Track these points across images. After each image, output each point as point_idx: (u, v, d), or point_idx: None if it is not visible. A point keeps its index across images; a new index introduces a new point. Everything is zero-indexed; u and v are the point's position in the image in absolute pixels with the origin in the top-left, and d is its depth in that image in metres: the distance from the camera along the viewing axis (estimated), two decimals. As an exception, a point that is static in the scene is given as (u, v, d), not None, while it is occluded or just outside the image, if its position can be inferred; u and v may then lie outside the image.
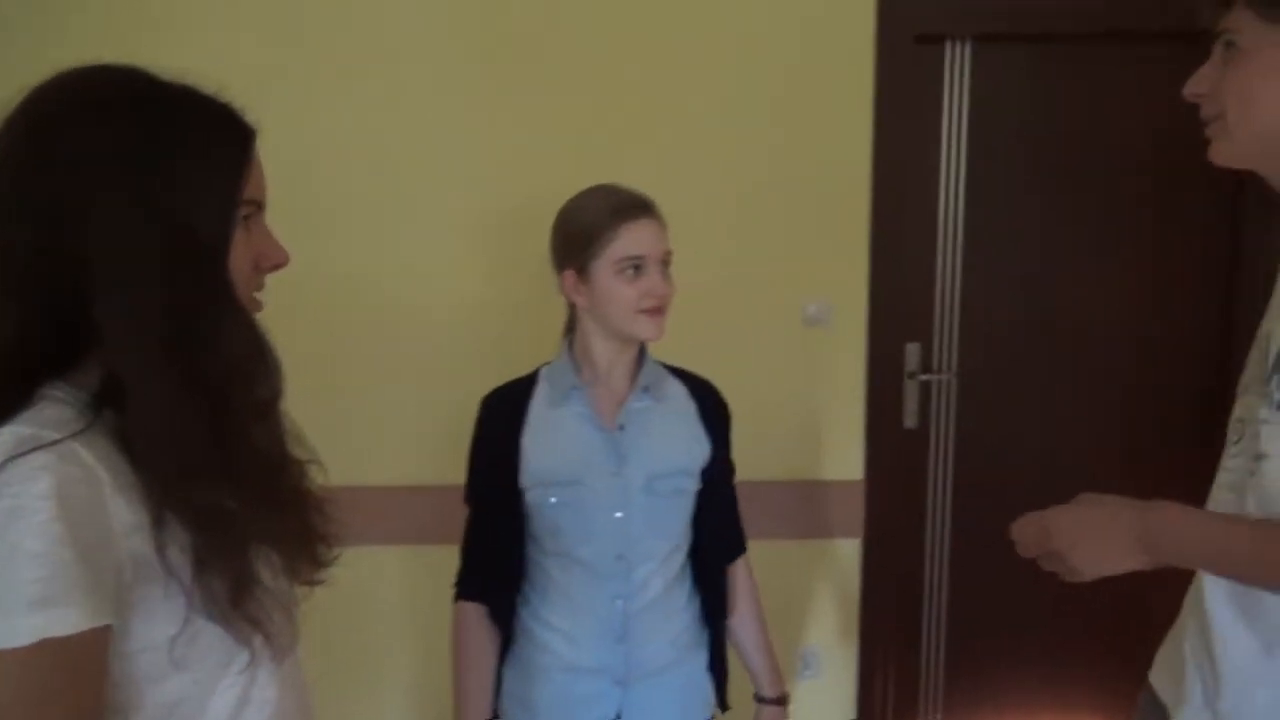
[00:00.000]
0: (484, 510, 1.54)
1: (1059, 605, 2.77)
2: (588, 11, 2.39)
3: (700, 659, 1.59)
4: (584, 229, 1.43)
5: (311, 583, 0.98)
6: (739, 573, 1.68)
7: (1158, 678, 1.31)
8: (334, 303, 2.39)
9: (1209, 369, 2.65)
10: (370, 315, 2.44)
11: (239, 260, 0.88)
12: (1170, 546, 1.04)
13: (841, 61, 2.43)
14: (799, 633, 2.67)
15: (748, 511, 2.70)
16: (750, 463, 2.53)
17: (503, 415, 1.50)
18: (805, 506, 2.58)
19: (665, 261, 1.45)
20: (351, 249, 2.41)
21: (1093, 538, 1.10)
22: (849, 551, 2.64)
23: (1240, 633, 1.09)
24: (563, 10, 2.38)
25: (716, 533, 1.60)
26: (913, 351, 2.64)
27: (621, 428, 1.48)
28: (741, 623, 1.67)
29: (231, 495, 0.84)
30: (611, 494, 1.46)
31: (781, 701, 1.67)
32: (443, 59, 2.39)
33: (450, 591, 1.58)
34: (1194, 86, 1.11)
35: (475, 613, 1.53)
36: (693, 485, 1.55)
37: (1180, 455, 2.69)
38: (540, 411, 1.49)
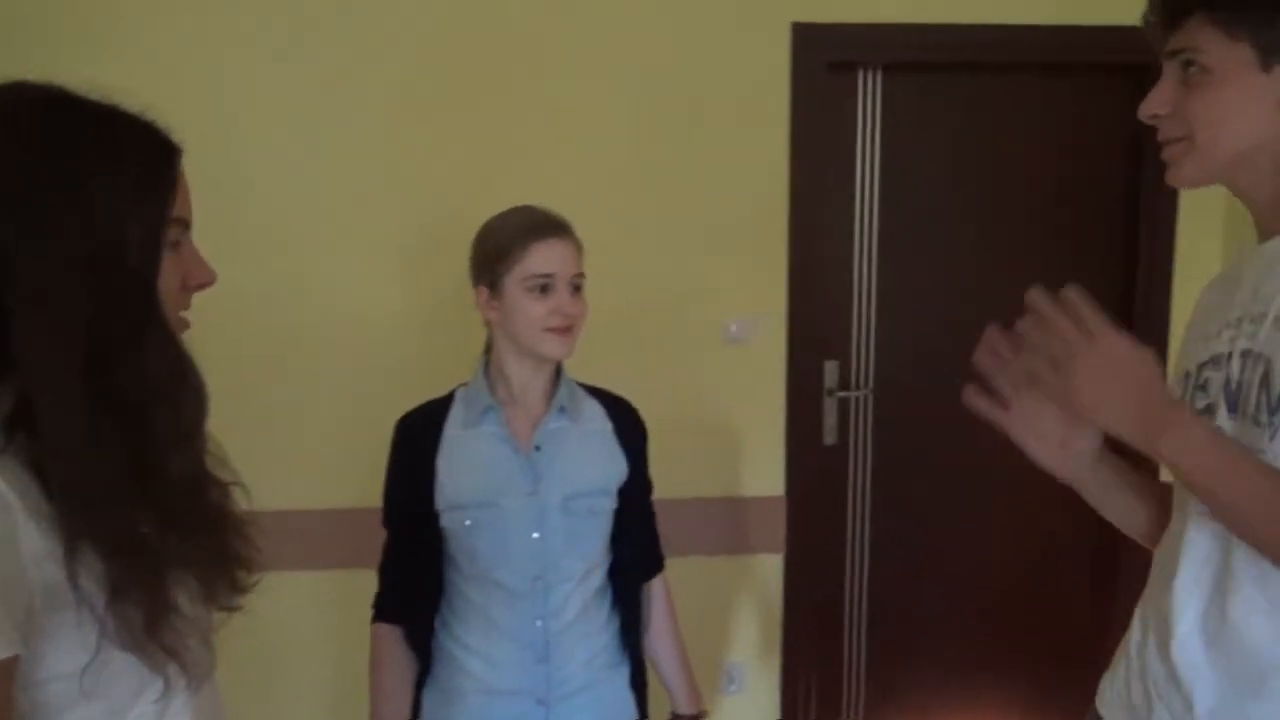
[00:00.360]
0: (400, 533, 1.54)
1: (976, 617, 2.86)
2: (510, 38, 2.41)
3: (621, 677, 1.59)
4: (497, 245, 1.45)
5: (230, 608, 0.96)
6: (656, 590, 1.68)
7: (1111, 711, 1.22)
8: (253, 324, 2.35)
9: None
10: (290, 336, 2.41)
11: (167, 280, 0.87)
12: (1179, 442, 0.94)
13: (759, 87, 2.49)
14: (723, 648, 2.69)
15: (671, 529, 2.71)
16: (673, 480, 2.56)
17: (417, 437, 1.50)
18: (727, 523, 2.62)
19: (576, 283, 1.47)
20: (270, 269, 2.38)
21: (1114, 375, 0.98)
22: (771, 567, 2.67)
23: (1215, 676, 1.03)
24: (487, 36, 2.41)
25: (635, 551, 1.60)
26: (831, 369, 2.71)
27: (538, 448, 1.49)
28: (659, 639, 1.68)
29: (148, 521, 0.82)
30: (527, 515, 1.46)
31: (698, 718, 1.69)
32: (363, 80, 2.39)
33: (369, 614, 1.57)
34: (1152, 108, 1.08)
35: (392, 635, 1.52)
36: (610, 505, 1.55)
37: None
38: (455, 433, 1.49)
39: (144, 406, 0.82)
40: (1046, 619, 2.88)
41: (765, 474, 2.63)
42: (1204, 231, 2.66)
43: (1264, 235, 1.10)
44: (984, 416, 1.13)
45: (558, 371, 1.54)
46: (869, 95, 2.63)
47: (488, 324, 1.51)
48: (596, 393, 1.60)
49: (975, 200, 2.70)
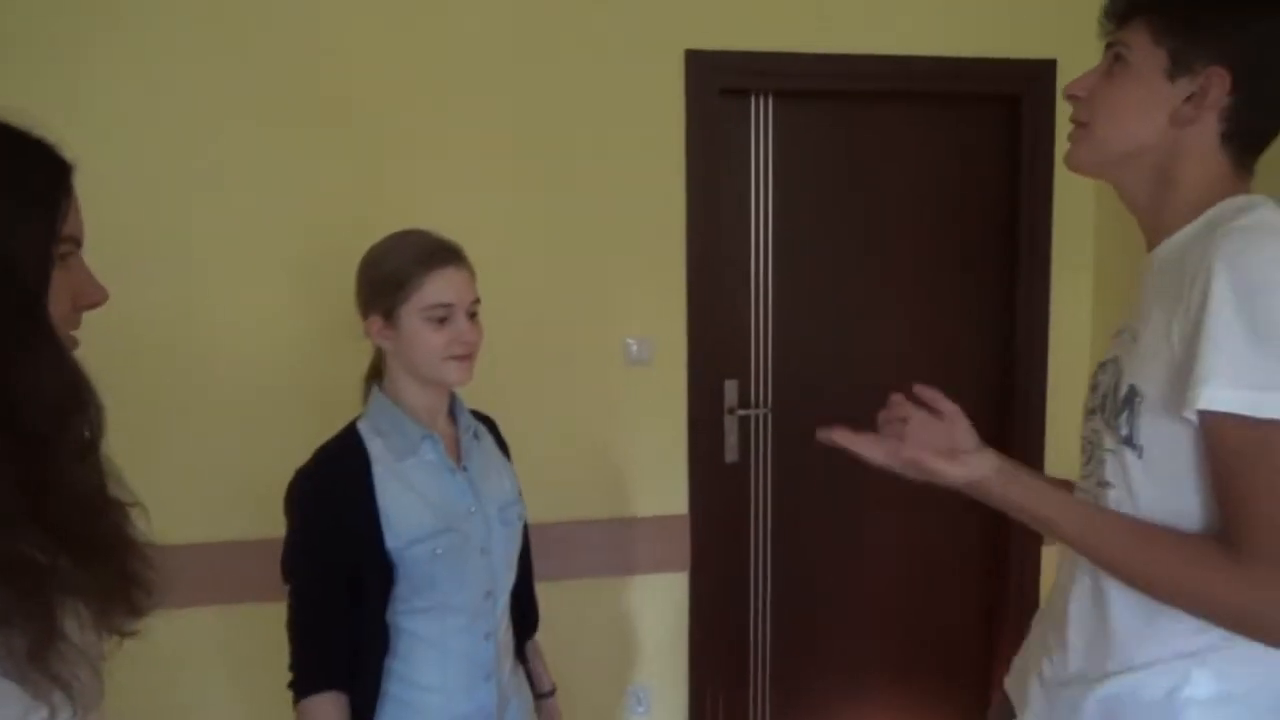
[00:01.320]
0: (330, 588, 1.38)
1: (875, 625, 2.94)
2: (406, 58, 2.40)
3: (522, 674, 1.67)
4: (391, 274, 1.41)
5: (127, 633, 0.91)
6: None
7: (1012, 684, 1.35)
8: (144, 351, 2.28)
9: (994, 392, 2.90)
10: (182, 364, 2.34)
11: (57, 298, 0.85)
12: (1007, 490, 1.11)
13: (654, 111, 2.54)
14: (629, 668, 2.70)
15: (575, 550, 2.72)
16: (577, 501, 2.59)
17: (342, 482, 1.40)
18: (632, 543, 2.63)
19: (473, 310, 1.46)
20: (155, 293, 2.30)
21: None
22: (677, 585, 2.69)
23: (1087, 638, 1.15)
24: (381, 55, 2.38)
25: (525, 553, 1.65)
26: (731, 388, 2.76)
27: (465, 468, 1.50)
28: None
29: (40, 544, 0.79)
30: (476, 532, 1.48)
31: (552, 693, 1.76)
32: (246, 96, 2.33)
33: (284, 690, 1.40)
34: (1074, 88, 1.16)
35: (334, 703, 1.38)
36: (525, 510, 1.62)
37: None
38: (387, 467, 1.43)
39: (35, 425, 0.80)
40: (938, 623, 2.98)
41: (669, 492, 2.65)
42: (1076, 249, 2.83)
43: (1148, 247, 1.17)
44: (853, 451, 1.20)
45: (452, 392, 1.56)
46: (761, 121, 2.71)
47: (378, 350, 1.49)
48: (473, 412, 1.63)
49: (864, 222, 2.80)
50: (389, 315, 1.42)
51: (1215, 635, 1.01)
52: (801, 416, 2.82)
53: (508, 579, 1.55)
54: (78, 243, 0.89)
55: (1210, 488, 1.00)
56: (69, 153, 0.89)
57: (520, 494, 1.62)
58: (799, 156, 2.74)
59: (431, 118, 2.42)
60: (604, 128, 2.52)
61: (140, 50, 2.27)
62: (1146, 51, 1.07)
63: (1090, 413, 1.21)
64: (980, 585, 2.97)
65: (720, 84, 2.58)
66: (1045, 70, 2.72)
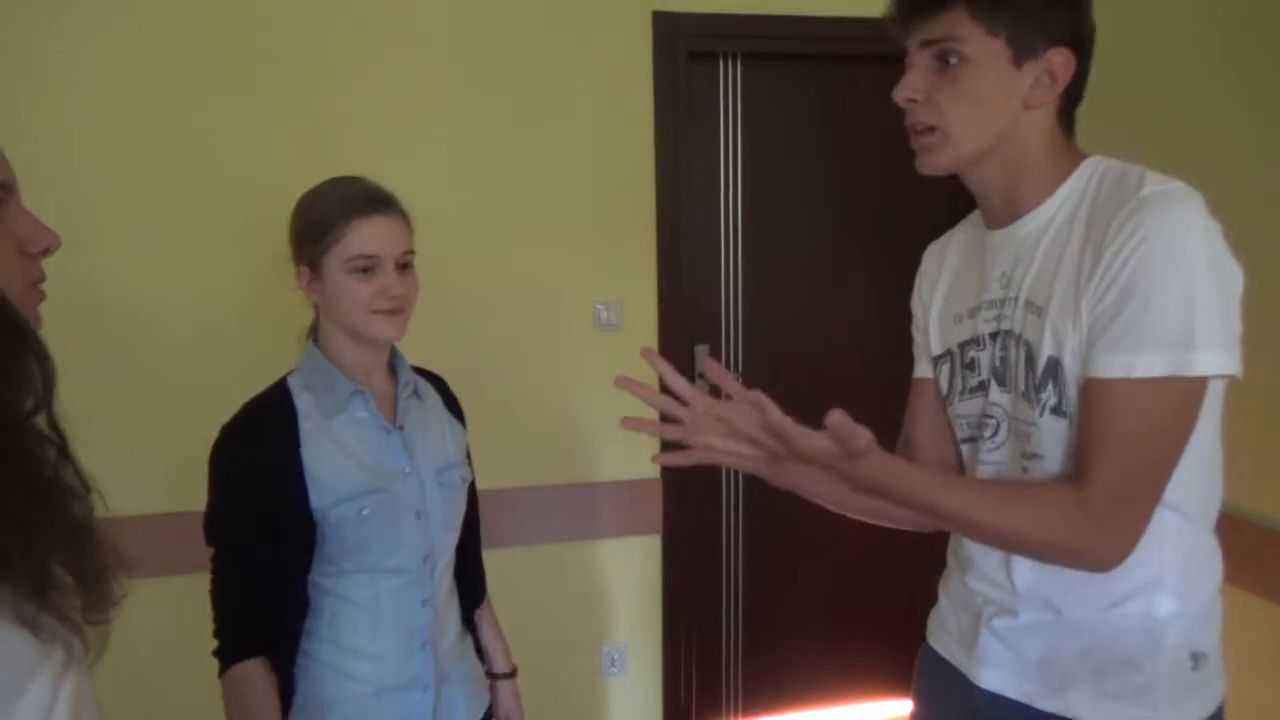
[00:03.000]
0: (255, 547, 1.34)
1: (843, 588, 2.98)
2: (371, 17, 2.36)
3: (471, 648, 1.59)
4: (315, 223, 1.35)
5: (100, 622, 0.89)
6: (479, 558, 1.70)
7: (936, 637, 1.38)
8: (65, 318, 2.21)
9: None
10: (106, 330, 2.28)
11: None
12: (886, 477, 1.01)
13: (622, 74, 2.52)
14: (603, 632, 2.72)
15: (549, 514, 2.72)
16: (548, 466, 2.59)
17: (266, 436, 1.35)
18: (604, 507, 2.64)
19: (404, 261, 1.37)
20: (80, 257, 2.24)
21: None
22: (650, 548, 2.72)
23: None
24: (342, 15, 2.34)
25: (471, 520, 1.60)
26: (702, 353, 2.77)
27: (401, 427, 1.44)
28: (481, 608, 1.68)
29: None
30: (410, 494, 1.41)
31: (512, 674, 1.68)
32: (179, 55, 2.28)
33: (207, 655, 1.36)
34: (908, 93, 1.13)
35: (259, 670, 1.33)
36: (469, 474, 1.54)
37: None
38: (314, 424, 1.37)
39: None
40: (906, 584, 3.02)
41: (640, 457, 2.66)
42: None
43: (993, 223, 1.20)
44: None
45: (393, 350, 1.49)
46: (729, 83, 2.69)
47: (315, 306, 1.42)
48: (418, 370, 1.57)
49: (835, 187, 2.81)
50: (314, 266, 1.35)
51: (1166, 560, 1.07)
52: (774, 380, 2.83)
53: (447, 543, 1.48)
54: (7, 187, 0.82)
55: (1080, 436, 1.05)
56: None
57: (467, 457, 1.55)
58: (769, 120, 2.74)
59: (391, 81, 2.39)
60: (572, 91, 2.50)
61: (88, 15, 2.21)
62: (983, 43, 1.05)
63: (975, 389, 1.22)
64: (944, 547, 3.02)
65: (688, 47, 2.56)
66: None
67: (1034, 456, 1.12)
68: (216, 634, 1.36)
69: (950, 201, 2.87)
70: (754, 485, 2.87)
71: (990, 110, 1.09)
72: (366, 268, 1.33)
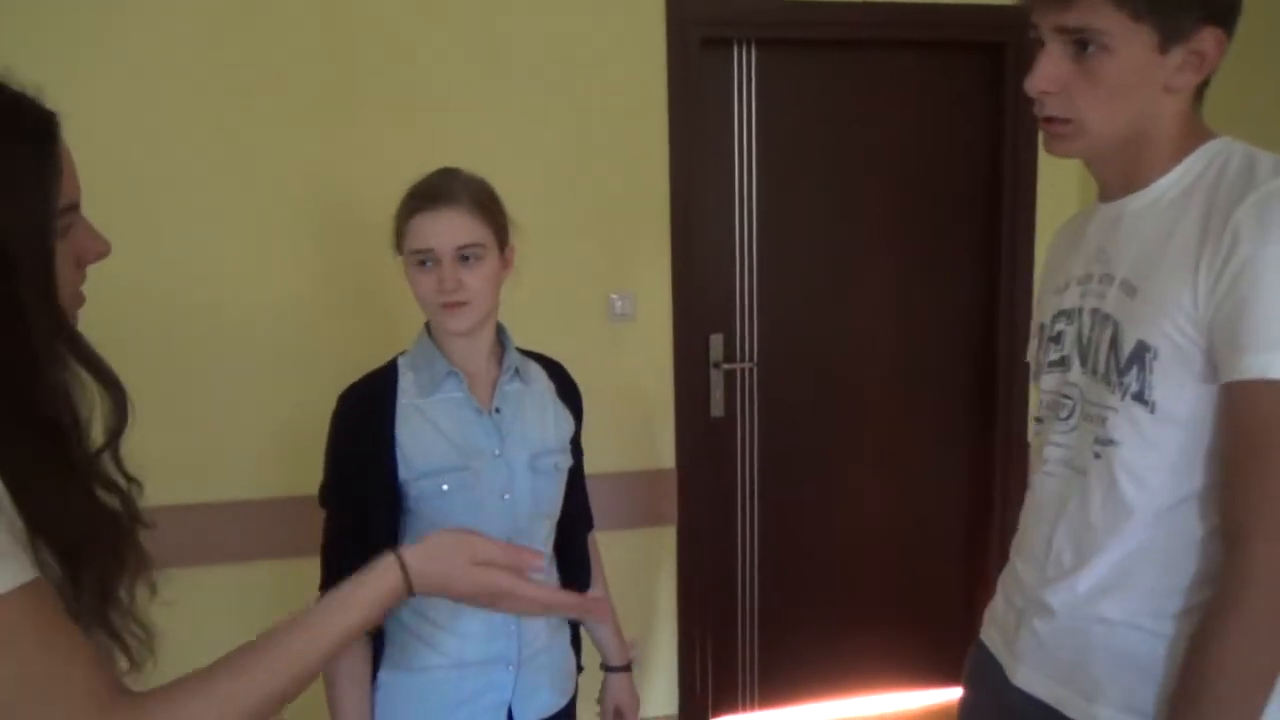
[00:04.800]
0: (354, 510, 1.43)
1: (859, 577, 2.97)
2: (389, 16, 2.36)
3: (565, 636, 1.61)
4: (395, 218, 1.44)
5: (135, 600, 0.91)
6: (591, 547, 1.71)
7: (988, 632, 1.34)
8: (150, 314, 2.28)
9: (978, 343, 2.91)
10: (190, 325, 2.33)
11: (62, 271, 0.78)
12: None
13: (635, 63, 2.50)
14: (620, 621, 2.71)
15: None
16: (564, 457, 2.58)
17: (366, 409, 1.43)
18: (620, 498, 2.63)
19: (466, 254, 1.40)
20: (161, 254, 2.29)
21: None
22: (665, 539, 2.71)
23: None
24: (382, 13, 2.36)
25: (574, 509, 1.61)
26: (716, 342, 2.75)
27: (497, 410, 1.47)
28: (593, 594, 1.70)
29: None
30: (497, 476, 1.44)
31: (628, 668, 1.71)
32: (256, 58, 2.30)
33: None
34: (1043, 84, 1.06)
35: None
36: (568, 461, 1.56)
37: (961, 425, 2.95)
38: (411, 401, 1.44)
39: (58, 422, 0.77)
40: (921, 575, 3.02)
41: (655, 448, 2.66)
42: (1061, 194, 2.82)
43: (1106, 196, 1.16)
44: None
45: (501, 333, 1.54)
46: (743, 70, 2.67)
47: None
48: (532, 355, 1.61)
49: (848, 174, 2.78)
50: (402, 258, 1.44)
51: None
52: (788, 370, 2.82)
53: (536, 529, 1.50)
54: (76, 205, 0.81)
55: (1223, 458, 0.99)
56: (51, 103, 0.79)
57: (571, 444, 1.58)
58: (782, 107, 2.71)
59: (402, 71, 2.38)
60: (585, 79, 2.48)
61: (156, 13, 2.25)
62: (1126, 31, 1.00)
63: (1055, 364, 1.18)
64: (963, 536, 3.00)
65: (702, 34, 2.54)
66: (1029, 17, 2.68)
67: (1109, 443, 1.08)
68: (319, 587, 1.43)
69: (967, 189, 2.86)
70: (770, 476, 2.86)
71: (1130, 100, 1.03)
72: (423, 261, 1.40)
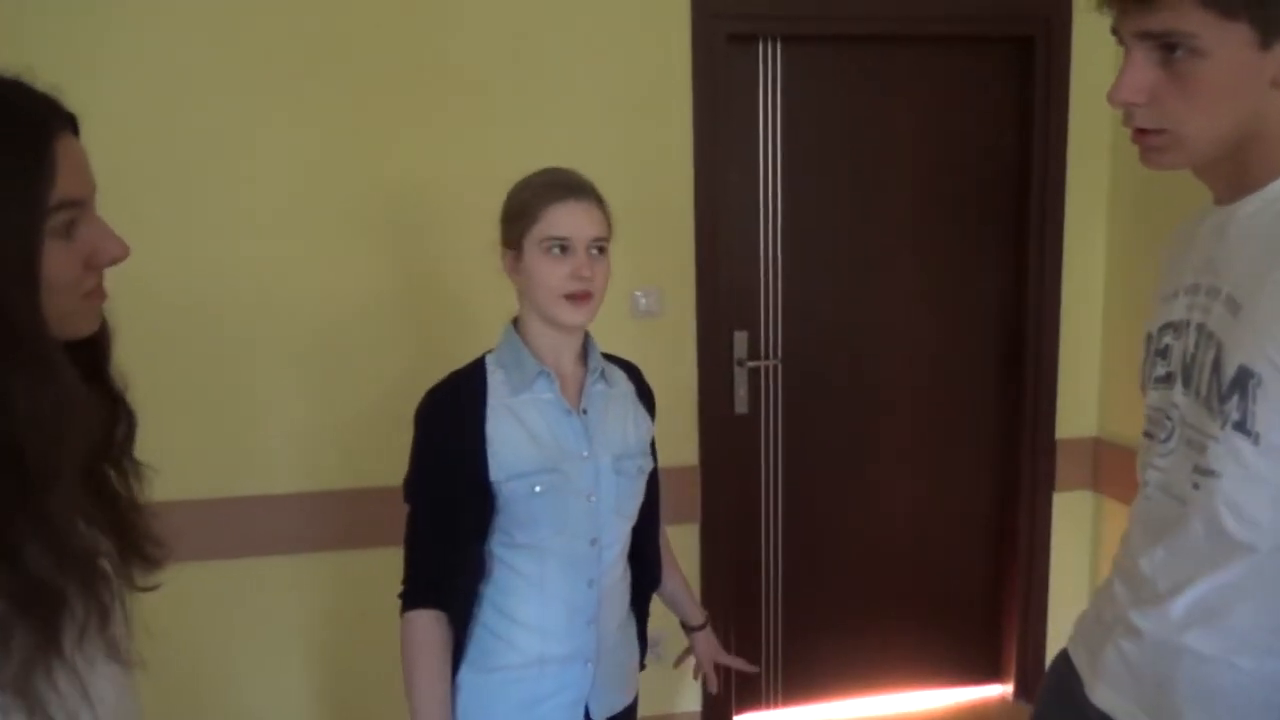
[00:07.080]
0: (442, 508, 1.44)
1: (884, 576, 2.95)
2: (428, 12, 2.38)
3: (633, 630, 1.64)
4: (518, 206, 1.45)
5: (145, 588, 0.89)
6: (663, 540, 1.74)
7: (1074, 646, 1.26)
8: (184, 313, 2.29)
9: (1005, 340, 2.89)
10: (223, 324, 2.36)
11: (59, 269, 0.76)
12: None
13: (661, 58, 2.50)
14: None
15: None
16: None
17: (458, 408, 1.44)
18: (644, 495, 2.64)
19: (596, 247, 1.44)
20: (214, 249, 2.32)
21: None
22: (688, 537, 2.70)
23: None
24: (414, 12, 2.38)
25: (648, 509, 1.63)
26: (741, 339, 2.74)
27: (585, 411, 1.49)
28: (669, 577, 1.76)
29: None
30: (584, 478, 1.46)
31: (705, 625, 1.81)
32: (305, 54, 2.34)
33: (392, 601, 1.47)
34: (1129, 95, 0.96)
35: (434, 620, 1.43)
36: (649, 464, 1.59)
37: (988, 422, 2.93)
38: (502, 401, 1.45)
39: (20, 444, 0.72)
40: (946, 573, 3.00)
41: (679, 445, 2.65)
42: (1091, 190, 2.79)
43: (1218, 200, 1.07)
44: None
45: (586, 336, 1.55)
46: (769, 66, 2.66)
47: (519, 294, 1.50)
48: (611, 357, 1.63)
49: (874, 170, 2.76)
50: (517, 247, 1.44)
51: None
52: (812, 368, 2.81)
53: (618, 529, 1.52)
54: (82, 203, 0.79)
55: None
56: (70, 103, 0.79)
57: (651, 447, 1.60)
58: (808, 103, 2.70)
59: (428, 71, 2.40)
60: (610, 75, 2.48)
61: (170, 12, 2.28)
62: (1218, 32, 0.90)
63: (1161, 380, 1.10)
64: (988, 534, 2.98)
65: (727, 29, 2.53)
66: (1059, 10, 2.66)
67: (1209, 474, 0.98)
68: (403, 580, 1.46)
69: (994, 184, 2.83)
70: (793, 472, 2.85)
71: (1232, 105, 0.94)
72: (560, 247, 1.41)
